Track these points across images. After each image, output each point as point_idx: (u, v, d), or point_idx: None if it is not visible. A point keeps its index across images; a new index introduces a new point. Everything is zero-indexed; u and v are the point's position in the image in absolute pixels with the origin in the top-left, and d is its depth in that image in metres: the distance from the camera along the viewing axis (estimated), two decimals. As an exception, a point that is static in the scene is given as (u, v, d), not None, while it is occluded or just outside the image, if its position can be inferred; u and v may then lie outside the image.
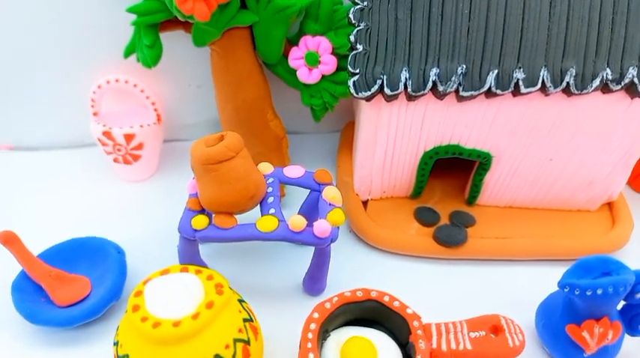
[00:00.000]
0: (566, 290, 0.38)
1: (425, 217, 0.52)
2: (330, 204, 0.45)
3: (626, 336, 0.43)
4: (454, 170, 0.56)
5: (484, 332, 0.39)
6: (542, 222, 0.52)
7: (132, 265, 0.49)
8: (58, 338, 0.44)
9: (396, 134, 0.47)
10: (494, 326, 0.39)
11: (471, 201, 0.53)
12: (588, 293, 0.37)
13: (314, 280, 0.46)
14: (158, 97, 0.58)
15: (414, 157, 0.50)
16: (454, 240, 0.49)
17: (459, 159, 0.54)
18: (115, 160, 0.57)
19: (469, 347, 0.38)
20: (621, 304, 0.41)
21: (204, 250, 0.51)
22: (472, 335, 0.39)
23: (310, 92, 0.53)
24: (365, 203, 0.54)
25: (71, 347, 0.44)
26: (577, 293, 0.38)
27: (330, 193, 0.45)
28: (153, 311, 0.35)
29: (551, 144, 0.47)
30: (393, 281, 0.43)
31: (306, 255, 0.50)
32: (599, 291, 0.37)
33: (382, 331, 0.41)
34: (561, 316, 0.41)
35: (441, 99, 0.44)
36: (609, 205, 0.54)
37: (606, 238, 0.50)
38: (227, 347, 0.35)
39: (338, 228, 0.44)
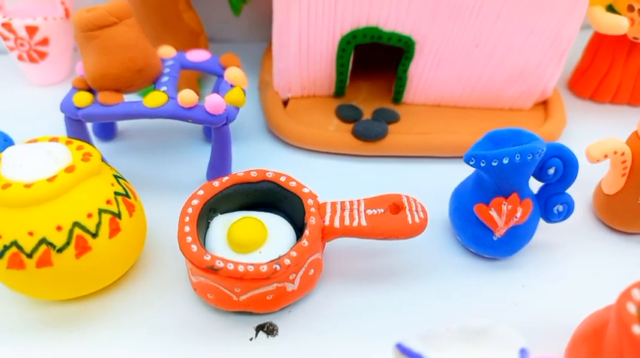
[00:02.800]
0: (471, 162, 0.35)
1: (346, 113, 0.48)
2: (231, 85, 0.41)
3: (547, 227, 0.40)
4: (383, 71, 0.53)
5: (382, 210, 0.36)
6: (470, 119, 0.49)
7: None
8: None
9: (308, 15, 0.44)
10: (395, 205, 0.36)
11: (397, 97, 0.49)
12: (494, 163, 0.34)
13: (216, 170, 0.43)
14: (66, -9, 0.54)
15: (330, 43, 0.46)
16: (372, 134, 0.46)
17: (388, 58, 0.51)
18: (20, 58, 0.53)
19: (364, 223, 0.35)
20: (537, 188, 0.38)
21: (107, 148, 0.48)
22: (369, 212, 0.36)
23: (224, -22, 0.49)
24: (286, 102, 0.51)
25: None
26: (483, 164, 0.34)
27: (232, 73, 0.41)
28: (7, 174, 0.32)
29: (475, 27, 0.44)
30: (309, 179, 0.39)
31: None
32: (505, 161, 0.34)
33: (279, 215, 0.38)
34: (470, 197, 0.37)
35: (350, -33, 0.40)
36: (544, 105, 0.51)
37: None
38: (90, 215, 0.32)
39: (237, 108, 0.40)
